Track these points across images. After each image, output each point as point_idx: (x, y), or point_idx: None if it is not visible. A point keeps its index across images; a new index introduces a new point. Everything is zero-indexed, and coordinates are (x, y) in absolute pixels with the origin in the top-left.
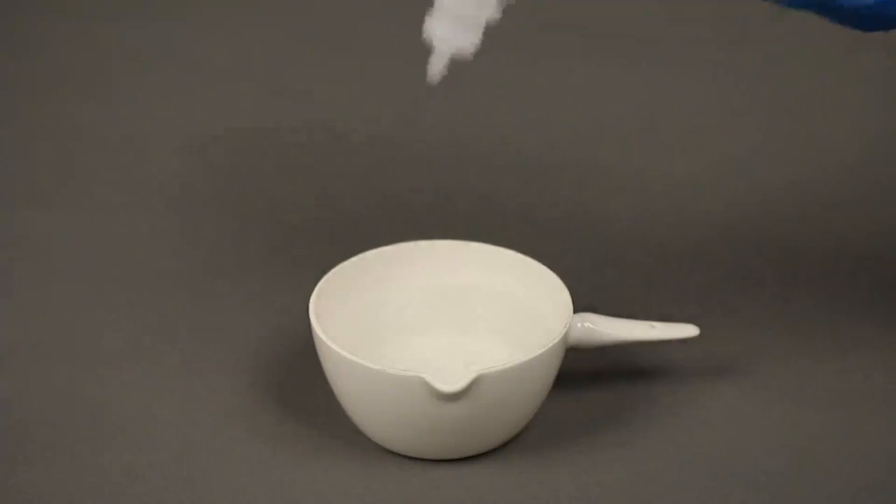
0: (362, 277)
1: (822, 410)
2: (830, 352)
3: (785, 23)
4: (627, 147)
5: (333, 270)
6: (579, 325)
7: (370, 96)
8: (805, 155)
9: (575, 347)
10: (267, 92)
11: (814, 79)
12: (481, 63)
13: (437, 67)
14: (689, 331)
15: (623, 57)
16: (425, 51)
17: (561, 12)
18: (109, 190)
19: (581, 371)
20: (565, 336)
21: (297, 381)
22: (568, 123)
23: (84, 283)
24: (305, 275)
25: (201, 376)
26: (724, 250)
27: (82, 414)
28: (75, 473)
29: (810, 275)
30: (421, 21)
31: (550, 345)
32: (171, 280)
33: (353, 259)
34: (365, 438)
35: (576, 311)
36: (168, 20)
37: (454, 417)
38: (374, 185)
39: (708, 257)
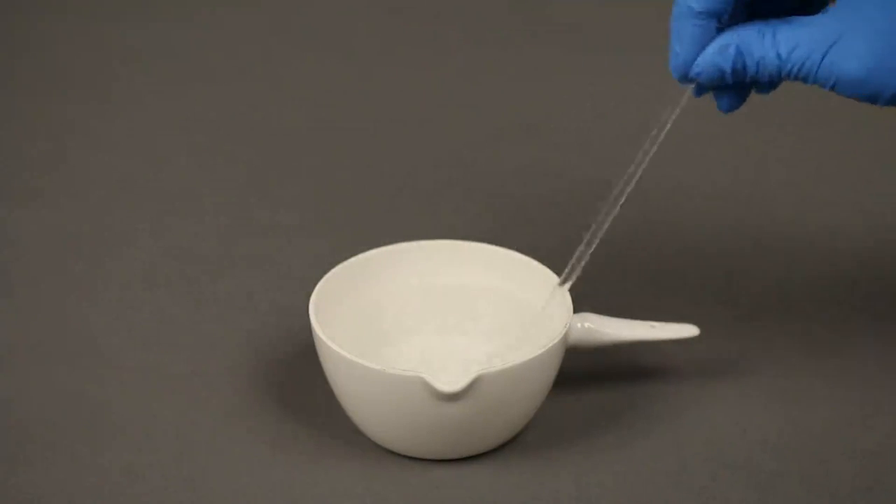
0: (362, 277)
1: (822, 410)
2: (830, 352)
3: None
4: (627, 148)
5: (333, 270)
6: (579, 325)
7: (370, 96)
8: (804, 155)
9: (575, 347)
10: (267, 92)
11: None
12: (481, 63)
13: None
14: (689, 331)
15: (623, 59)
16: (425, 51)
17: (563, 13)
18: (109, 190)
19: (581, 371)
20: (565, 336)
21: (297, 381)
22: (568, 124)
23: (84, 282)
24: (305, 275)
25: (201, 376)
26: (725, 250)
27: (82, 414)
28: (75, 473)
29: (811, 275)
30: (422, 25)
31: (550, 345)
32: (171, 280)
33: (353, 259)
34: (365, 438)
35: (576, 311)
36: (168, 20)
37: (454, 417)
38: (374, 184)
39: (708, 257)
